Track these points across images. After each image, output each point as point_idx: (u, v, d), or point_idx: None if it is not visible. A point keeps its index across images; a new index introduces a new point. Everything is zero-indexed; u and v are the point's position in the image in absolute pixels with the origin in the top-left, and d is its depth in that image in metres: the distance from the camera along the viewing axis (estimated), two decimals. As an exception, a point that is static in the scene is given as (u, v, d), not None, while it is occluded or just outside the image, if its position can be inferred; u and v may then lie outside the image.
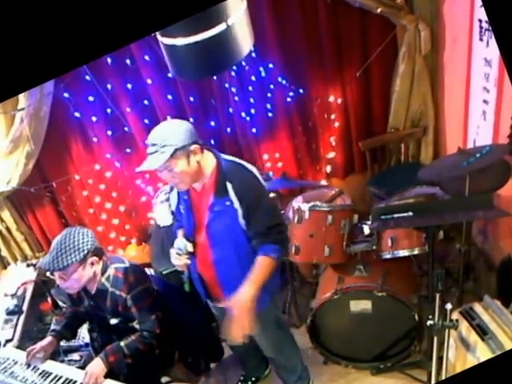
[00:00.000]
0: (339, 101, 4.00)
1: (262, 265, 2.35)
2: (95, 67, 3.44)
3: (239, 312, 2.25)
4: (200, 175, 2.35)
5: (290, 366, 3.00)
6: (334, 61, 3.84)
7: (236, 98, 3.87)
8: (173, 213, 2.72)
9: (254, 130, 4.03)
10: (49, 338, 2.74)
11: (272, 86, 3.88)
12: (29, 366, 2.67)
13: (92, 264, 2.52)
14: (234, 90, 3.83)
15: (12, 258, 4.00)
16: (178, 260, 2.50)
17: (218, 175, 2.35)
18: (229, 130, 4.00)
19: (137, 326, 2.64)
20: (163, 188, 3.67)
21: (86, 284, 2.58)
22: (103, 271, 2.59)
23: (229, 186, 2.32)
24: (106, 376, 2.56)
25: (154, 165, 2.20)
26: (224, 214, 2.36)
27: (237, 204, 2.32)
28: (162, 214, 3.54)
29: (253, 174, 2.41)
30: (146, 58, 3.57)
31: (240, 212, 2.33)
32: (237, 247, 2.44)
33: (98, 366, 2.56)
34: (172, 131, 2.23)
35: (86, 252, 2.46)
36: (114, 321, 2.65)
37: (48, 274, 2.57)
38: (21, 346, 2.94)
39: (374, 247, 3.06)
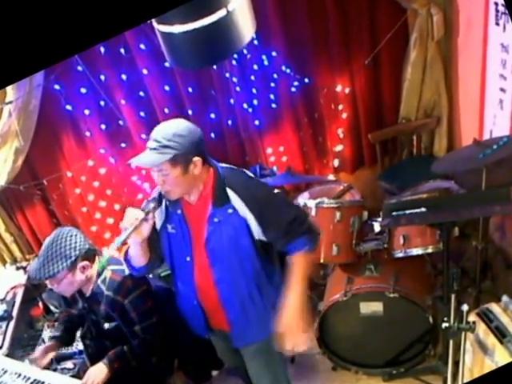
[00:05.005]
0: (347, 90, 4.00)
1: (299, 263, 2.29)
2: (87, 57, 3.44)
3: (292, 323, 2.21)
4: (193, 187, 2.27)
5: None
6: (342, 48, 3.83)
7: (237, 89, 3.87)
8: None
9: (256, 122, 4.03)
10: (50, 342, 2.79)
11: (275, 76, 3.88)
12: (19, 375, 2.67)
13: (83, 268, 2.53)
14: (235, 79, 3.83)
15: (0, 261, 4.02)
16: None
17: (216, 182, 2.27)
18: (230, 122, 4.00)
19: (138, 331, 2.64)
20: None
21: (80, 287, 2.60)
22: (99, 273, 2.60)
23: (230, 191, 2.24)
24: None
25: (148, 162, 2.18)
26: (226, 224, 2.26)
27: (244, 210, 2.24)
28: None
29: (252, 176, 2.41)
30: (142, 46, 3.58)
31: (252, 218, 2.24)
32: (241, 261, 2.31)
33: (101, 371, 2.57)
34: (180, 134, 2.13)
35: (73, 259, 2.47)
36: (107, 325, 2.66)
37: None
38: (11, 354, 2.94)
39: (385, 245, 3.07)
